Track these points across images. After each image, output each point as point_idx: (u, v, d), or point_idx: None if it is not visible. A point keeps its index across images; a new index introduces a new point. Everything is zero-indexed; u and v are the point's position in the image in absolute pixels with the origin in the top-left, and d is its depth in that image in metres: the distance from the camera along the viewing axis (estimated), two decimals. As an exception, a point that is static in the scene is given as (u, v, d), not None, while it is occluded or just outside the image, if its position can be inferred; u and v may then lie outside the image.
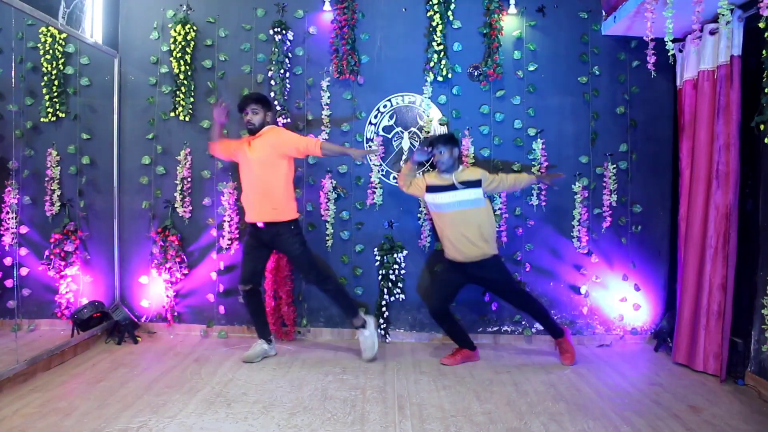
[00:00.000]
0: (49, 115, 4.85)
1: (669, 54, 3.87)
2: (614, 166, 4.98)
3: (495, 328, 5.08)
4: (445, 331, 4.68)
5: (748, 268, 4.07)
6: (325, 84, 4.98)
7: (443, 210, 4.37)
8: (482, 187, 4.34)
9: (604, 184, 4.99)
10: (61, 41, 4.84)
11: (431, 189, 4.41)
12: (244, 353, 4.52)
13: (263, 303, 4.69)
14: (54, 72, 4.82)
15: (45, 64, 4.81)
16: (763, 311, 3.83)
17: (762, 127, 3.75)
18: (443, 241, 4.48)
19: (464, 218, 4.32)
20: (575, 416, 3.46)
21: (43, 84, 4.83)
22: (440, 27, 4.89)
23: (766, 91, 3.69)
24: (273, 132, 4.37)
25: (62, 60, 4.87)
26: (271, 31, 4.94)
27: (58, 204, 4.90)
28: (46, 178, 4.89)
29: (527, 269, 5.02)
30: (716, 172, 4.12)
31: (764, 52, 3.69)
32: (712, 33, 4.14)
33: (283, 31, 4.92)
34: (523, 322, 5.06)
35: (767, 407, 3.65)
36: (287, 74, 4.98)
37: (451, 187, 4.33)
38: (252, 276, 4.48)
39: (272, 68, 4.93)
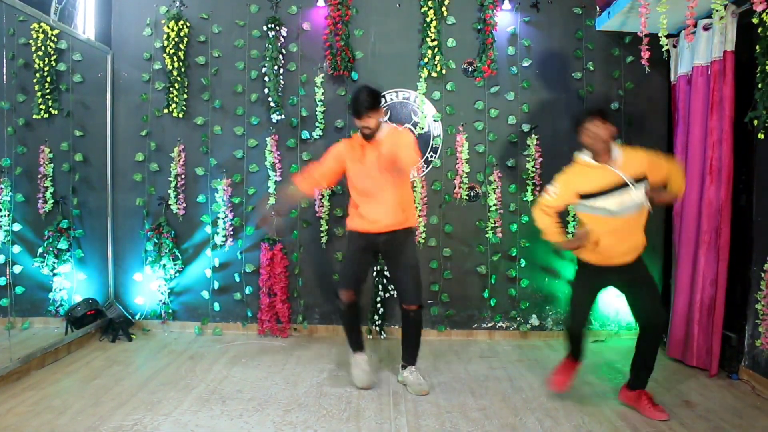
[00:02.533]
0: (42, 112, 4.82)
1: (663, 50, 3.87)
2: (608, 161, 4.98)
3: (490, 324, 5.08)
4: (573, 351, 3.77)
5: (742, 263, 4.08)
6: (319, 80, 4.97)
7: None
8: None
9: (599, 180, 4.99)
10: (53, 37, 4.81)
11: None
12: (360, 380, 3.89)
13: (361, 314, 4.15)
14: (46, 68, 4.78)
15: (37, 60, 4.78)
16: (756, 306, 3.84)
17: (755, 122, 3.76)
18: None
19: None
20: (570, 412, 3.46)
21: (35, 81, 4.80)
22: (434, 23, 4.88)
23: (759, 86, 3.70)
24: (394, 133, 3.85)
25: (54, 56, 4.83)
26: (264, 28, 4.92)
27: (51, 201, 4.88)
28: (39, 176, 4.86)
29: (523, 265, 5.03)
30: (710, 168, 4.13)
31: (757, 47, 3.70)
32: (705, 29, 4.14)
33: (277, 27, 4.90)
34: (518, 318, 5.07)
35: (761, 402, 3.66)
36: (281, 70, 4.96)
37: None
38: (356, 282, 3.93)
39: (266, 64, 4.91)
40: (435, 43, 4.89)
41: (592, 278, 3.57)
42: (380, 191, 3.75)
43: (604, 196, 3.31)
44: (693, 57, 4.30)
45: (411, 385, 3.82)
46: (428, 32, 4.90)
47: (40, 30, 4.76)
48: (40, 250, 4.78)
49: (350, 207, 3.96)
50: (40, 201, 4.86)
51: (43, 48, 4.78)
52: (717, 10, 3.64)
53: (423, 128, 5.00)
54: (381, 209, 3.75)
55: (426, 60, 4.91)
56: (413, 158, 3.65)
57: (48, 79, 4.79)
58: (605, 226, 3.35)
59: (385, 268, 4.94)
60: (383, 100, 3.76)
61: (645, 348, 3.50)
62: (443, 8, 4.93)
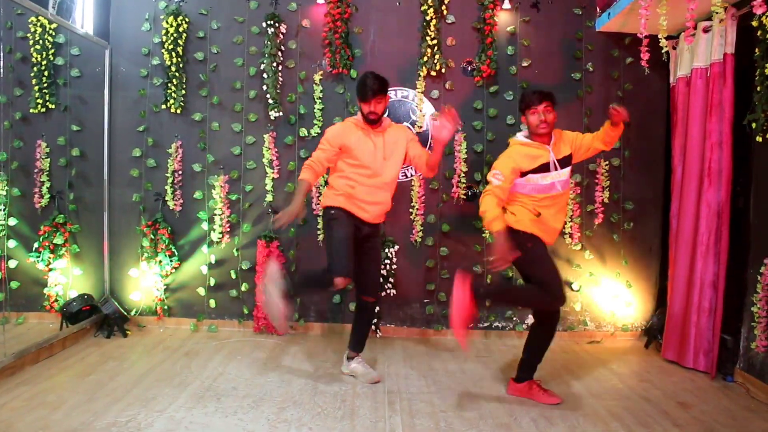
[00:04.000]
0: (39, 106, 4.80)
1: (663, 51, 3.87)
2: (607, 162, 4.99)
3: (486, 324, 5.08)
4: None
5: (739, 265, 4.08)
6: (317, 78, 4.96)
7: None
8: None
9: (597, 181, 5.00)
10: (51, 31, 4.79)
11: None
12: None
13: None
14: (44, 62, 4.77)
15: (35, 54, 4.76)
16: (752, 308, 3.85)
17: (754, 125, 3.76)
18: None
19: None
20: (565, 413, 3.46)
21: (32, 75, 4.78)
22: (434, 21, 4.87)
23: (758, 89, 3.70)
24: (400, 127, 3.99)
25: (52, 50, 4.81)
26: (264, 24, 4.91)
27: (48, 196, 4.86)
28: (36, 170, 4.84)
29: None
30: (708, 170, 4.13)
31: (757, 50, 3.70)
32: (705, 31, 4.14)
33: (276, 24, 4.89)
34: (515, 318, 5.07)
35: (756, 404, 3.66)
36: (280, 67, 4.95)
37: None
38: (351, 267, 3.70)
39: (265, 61, 4.90)
40: (434, 41, 4.88)
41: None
42: (383, 179, 3.80)
43: (542, 174, 3.51)
44: (692, 59, 4.30)
45: (361, 375, 3.95)
46: (428, 31, 4.89)
47: (38, 24, 4.74)
48: (36, 245, 4.76)
49: (338, 182, 3.81)
50: (36, 196, 4.84)
51: (40, 42, 4.76)
52: (717, 13, 3.63)
53: (421, 127, 4.99)
54: (380, 197, 3.82)
55: (425, 58, 4.90)
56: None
57: (45, 73, 4.78)
58: (542, 203, 3.56)
59: (381, 266, 4.93)
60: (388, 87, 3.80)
61: (543, 336, 3.71)
62: (443, 7, 4.92)
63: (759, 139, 3.73)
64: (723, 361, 4.14)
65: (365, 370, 3.97)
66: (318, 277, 3.87)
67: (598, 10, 4.90)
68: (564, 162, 3.59)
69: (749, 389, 3.86)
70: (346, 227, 3.74)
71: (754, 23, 3.64)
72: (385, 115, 3.90)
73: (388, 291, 4.97)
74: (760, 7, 3.37)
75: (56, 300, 4.82)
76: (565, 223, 4.95)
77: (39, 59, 4.76)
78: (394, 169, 3.83)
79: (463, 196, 4.98)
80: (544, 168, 3.51)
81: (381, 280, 4.02)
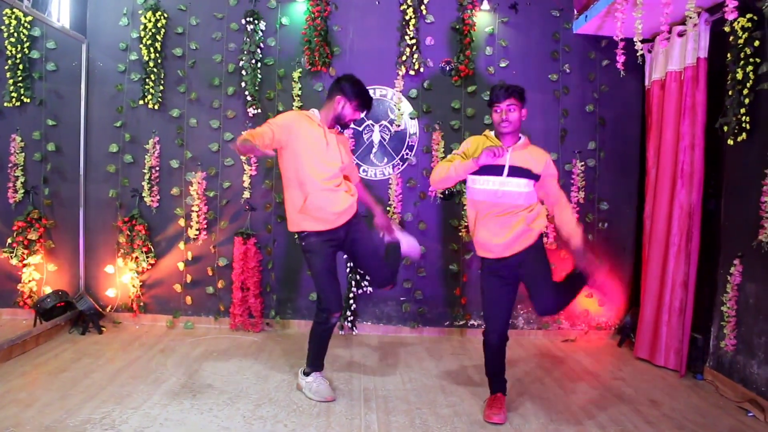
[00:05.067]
0: (13, 99, 4.74)
1: (638, 54, 3.93)
2: (582, 163, 5.05)
3: (462, 322, 5.12)
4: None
5: (710, 266, 4.17)
6: (296, 75, 4.96)
7: None
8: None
9: (573, 181, 5.06)
10: (26, 24, 4.73)
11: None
12: (328, 392, 3.61)
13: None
14: (18, 56, 4.71)
15: (9, 47, 4.70)
16: (722, 308, 3.92)
17: (726, 128, 3.84)
18: None
19: None
20: (538, 410, 3.51)
21: (7, 68, 4.72)
22: (413, 21, 4.89)
23: (729, 93, 3.78)
24: (342, 136, 3.77)
25: (27, 44, 4.76)
26: (243, 21, 4.89)
27: (22, 191, 4.81)
28: (10, 165, 4.78)
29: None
30: (681, 172, 4.20)
31: (729, 55, 3.78)
32: (680, 35, 4.21)
33: (256, 21, 4.88)
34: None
35: (724, 402, 3.74)
36: (258, 64, 4.94)
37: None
38: (339, 296, 3.61)
39: (243, 58, 4.89)
40: (413, 41, 4.90)
41: (494, 276, 3.41)
42: (337, 181, 3.51)
43: (487, 176, 3.26)
44: (667, 62, 4.37)
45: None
46: (407, 30, 4.91)
47: (13, 16, 4.68)
48: (10, 240, 4.71)
49: (294, 203, 3.50)
50: (11, 190, 4.79)
51: (15, 35, 4.70)
52: (691, 17, 3.71)
53: (399, 125, 5.01)
54: (340, 199, 3.50)
55: (404, 57, 4.92)
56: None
57: (20, 66, 4.72)
58: (484, 212, 3.32)
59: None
60: None
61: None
62: (422, 7, 4.95)
63: (730, 142, 3.80)
64: (693, 360, 4.22)
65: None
66: (315, 325, 3.63)
67: (575, 12, 4.96)
68: (517, 172, 3.25)
69: (718, 387, 3.94)
70: (322, 255, 3.52)
71: (727, 29, 3.71)
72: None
73: (365, 288, 4.99)
74: (732, 12, 3.45)
75: (30, 296, 4.77)
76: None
77: (14, 52, 4.71)
78: (339, 166, 3.51)
79: (440, 195, 5.01)
80: (495, 170, 3.24)
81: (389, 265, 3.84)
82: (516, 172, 3.25)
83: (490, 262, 3.38)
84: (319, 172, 3.42)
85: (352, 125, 4.08)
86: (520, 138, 3.35)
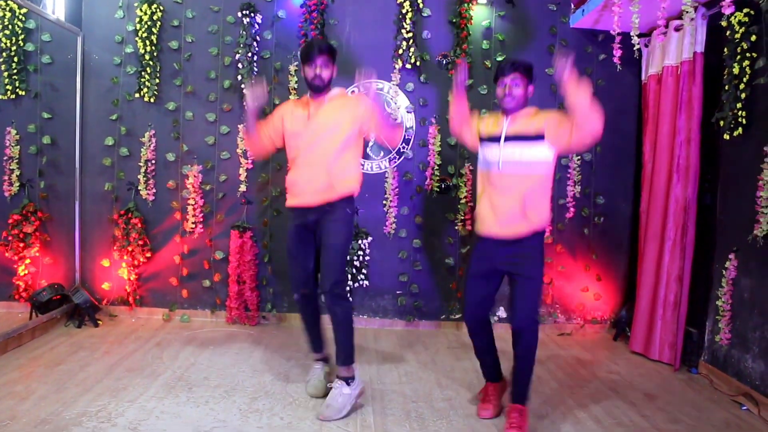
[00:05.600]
0: (8, 92, 4.73)
1: (635, 49, 3.94)
2: (579, 157, 5.05)
3: (458, 316, 5.13)
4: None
5: (705, 260, 4.18)
6: (293, 68, 4.95)
7: None
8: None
9: (569, 175, 5.06)
10: (21, 16, 4.71)
11: None
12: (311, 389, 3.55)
13: (319, 310, 3.65)
14: (13, 48, 4.68)
15: (3, 39, 4.68)
16: (717, 302, 3.94)
17: (722, 123, 3.84)
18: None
19: None
20: (534, 403, 3.51)
21: (1, 60, 4.70)
22: (410, 14, 4.88)
23: (726, 88, 3.78)
24: (344, 97, 3.52)
25: (22, 36, 4.73)
26: (239, 14, 4.87)
27: (17, 184, 4.79)
28: (5, 158, 4.77)
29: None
30: (677, 166, 4.21)
31: (725, 49, 3.78)
32: (676, 29, 4.21)
33: (252, 14, 4.86)
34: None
35: (718, 395, 3.76)
36: (255, 58, 4.92)
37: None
38: (307, 278, 3.51)
39: (240, 51, 4.87)
40: (410, 34, 4.89)
41: (480, 257, 3.29)
42: (313, 154, 3.36)
43: (490, 144, 3.20)
44: (663, 57, 4.37)
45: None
46: (404, 24, 4.90)
47: (7, 8, 4.65)
48: (5, 233, 4.70)
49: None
50: (6, 184, 4.77)
51: (10, 27, 4.67)
52: (687, 12, 3.71)
53: (396, 119, 5.00)
54: (310, 175, 3.36)
55: (401, 51, 4.91)
56: (383, 125, 3.41)
57: (15, 59, 4.69)
58: (485, 182, 3.25)
59: (354, 257, 4.95)
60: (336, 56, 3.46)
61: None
62: (419, 0, 4.93)
63: (726, 136, 3.81)
64: (688, 354, 4.24)
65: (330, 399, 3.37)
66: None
67: (572, 6, 4.96)
68: (518, 138, 3.12)
69: (713, 380, 3.96)
70: (292, 232, 3.49)
71: (724, 23, 3.71)
72: (333, 89, 3.48)
73: (361, 282, 4.99)
74: (729, 7, 3.45)
75: (26, 289, 4.76)
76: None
77: (8, 45, 4.68)
78: (329, 141, 3.33)
79: (436, 189, 5.01)
80: (494, 140, 3.17)
81: (336, 266, 3.40)
82: (514, 138, 3.12)
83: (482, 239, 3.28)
84: (294, 147, 3.42)
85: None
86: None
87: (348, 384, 3.32)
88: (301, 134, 3.38)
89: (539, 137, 3.08)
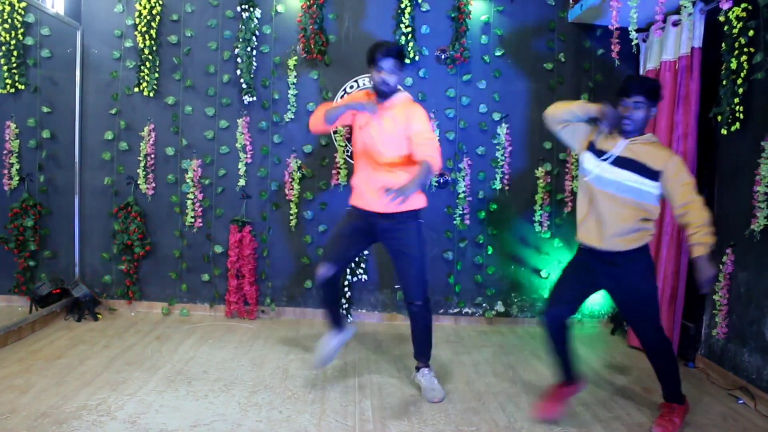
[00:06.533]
0: (8, 86, 4.73)
1: (633, 43, 3.93)
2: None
3: (456, 310, 5.14)
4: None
5: (702, 255, 4.18)
6: (291, 63, 4.95)
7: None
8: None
9: (567, 170, 5.07)
10: (20, 10, 4.70)
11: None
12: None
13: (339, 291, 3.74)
14: (13, 42, 4.68)
15: (3, 33, 4.67)
16: (714, 297, 3.95)
17: (719, 118, 3.85)
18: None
19: None
20: (532, 397, 3.54)
21: (1, 54, 4.70)
22: (409, 9, 4.88)
23: (724, 83, 3.79)
24: (409, 105, 3.41)
25: (21, 30, 4.73)
26: (238, 8, 4.88)
27: (17, 178, 4.80)
28: (5, 152, 4.77)
29: (490, 252, 5.09)
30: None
31: (723, 45, 3.78)
32: (674, 24, 4.21)
33: (251, 9, 4.86)
34: (485, 305, 5.14)
35: (715, 389, 3.78)
36: (254, 52, 4.93)
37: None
38: (338, 257, 3.54)
39: (239, 46, 4.88)
40: (409, 29, 4.90)
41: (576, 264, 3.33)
42: (376, 163, 3.43)
43: (591, 153, 3.11)
44: (661, 52, 4.37)
45: (423, 390, 3.52)
46: (402, 18, 4.90)
47: (7, 2, 4.64)
48: (5, 227, 4.71)
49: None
50: (5, 177, 4.78)
51: (9, 21, 4.67)
52: (685, 7, 3.72)
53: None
54: (377, 180, 3.40)
55: (400, 46, 4.92)
56: (431, 151, 3.20)
57: (14, 53, 4.69)
58: (582, 193, 3.20)
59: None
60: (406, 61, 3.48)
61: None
62: (418, -6, 4.95)
63: (724, 131, 3.82)
64: (685, 348, 4.26)
65: (428, 385, 3.52)
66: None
67: (570, 1, 4.95)
68: (626, 164, 3.00)
69: (709, 374, 3.98)
70: (343, 221, 3.63)
71: (721, 18, 3.71)
72: (398, 93, 3.43)
73: (360, 276, 5.01)
74: (727, 2, 3.46)
75: (25, 283, 4.77)
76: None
77: (8, 38, 4.68)
78: (391, 149, 3.38)
79: (435, 184, 5.02)
80: (602, 154, 3.06)
81: (422, 279, 3.51)
82: (622, 163, 3.02)
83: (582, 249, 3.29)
84: (360, 143, 3.52)
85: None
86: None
87: (429, 367, 3.61)
88: (366, 135, 3.43)
89: (653, 176, 2.98)
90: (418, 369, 3.62)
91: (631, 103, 2.98)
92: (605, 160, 3.04)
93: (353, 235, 3.57)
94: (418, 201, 3.45)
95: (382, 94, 3.38)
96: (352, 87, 5.00)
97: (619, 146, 3.03)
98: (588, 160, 3.12)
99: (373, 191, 3.38)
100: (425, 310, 3.55)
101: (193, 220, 4.99)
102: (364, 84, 4.99)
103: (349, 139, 4.99)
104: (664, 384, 3.22)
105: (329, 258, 3.52)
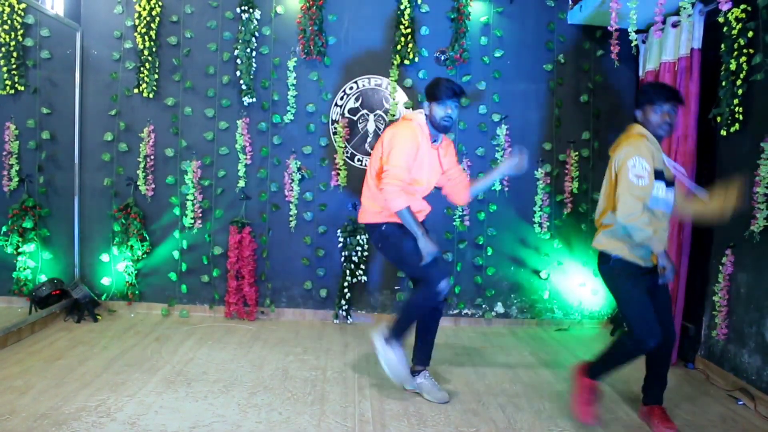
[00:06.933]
0: (8, 87, 4.73)
1: (632, 45, 3.93)
2: (576, 153, 5.06)
3: (456, 311, 5.15)
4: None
5: (702, 256, 4.19)
6: (291, 64, 4.95)
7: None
8: None
9: (567, 171, 5.07)
10: (19, 11, 4.71)
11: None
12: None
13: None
14: (12, 43, 4.68)
15: (2, 34, 4.67)
16: (714, 298, 3.95)
17: (719, 119, 3.85)
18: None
19: None
20: (531, 398, 3.54)
21: (0, 55, 4.70)
22: (408, 10, 4.88)
23: (723, 84, 3.79)
24: (448, 142, 3.68)
25: (21, 31, 4.73)
26: (238, 9, 4.88)
27: (17, 179, 4.80)
28: (4, 153, 4.77)
29: (489, 253, 5.09)
30: (674, 162, 4.21)
31: (723, 46, 3.78)
32: (674, 25, 4.21)
33: (251, 10, 4.86)
34: (484, 306, 5.14)
35: (714, 390, 3.78)
36: (254, 53, 4.93)
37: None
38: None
39: (238, 47, 4.88)
40: (408, 30, 4.90)
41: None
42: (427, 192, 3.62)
43: (660, 181, 3.01)
44: (661, 53, 4.37)
45: (427, 392, 3.49)
46: (402, 19, 4.90)
47: (6, 4, 4.65)
48: (4, 228, 4.71)
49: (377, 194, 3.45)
50: (5, 179, 4.78)
51: (9, 22, 4.67)
52: (684, 8, 3.72)
53: (394, 115, 5.01)
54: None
55: (399, 47, 4.92)
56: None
57: (14, 54, 4.70)
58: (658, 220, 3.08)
59: (353, 253, 4.96)
60: None
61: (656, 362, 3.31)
62: (417, -4, 4.95)
63: (723, 132, 3.82)
64: (685, 349, 4.26)
65: (431, 387, 3.52)
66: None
67: (570, 2, 4.96)
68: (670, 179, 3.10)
69: (709, 375, 3.98)
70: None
71: (721, 19, 3.72)
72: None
73: (359, 278, 5.01)
74: (726, 3, 3.45)
75: (25, 284, 4.77)
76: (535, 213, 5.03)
77: (7, 40, 4.68)
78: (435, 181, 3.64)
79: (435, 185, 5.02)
80: (658, 174, 3.01)
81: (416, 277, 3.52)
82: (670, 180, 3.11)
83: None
84: (421, 180, 3.55)
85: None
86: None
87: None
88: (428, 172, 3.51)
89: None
90: (416, 373, 3.58)
91: (676, 111, 3.06)
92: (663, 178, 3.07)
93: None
94: (374, 218, 3.51)
95: (444, 129, 3.44)
96: (351, 88, 5.00)
97: (667, 163, 3.13)
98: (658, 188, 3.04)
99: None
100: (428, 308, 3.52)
101: (192, 221, 4.99)
102: (363, 85, 4.99)
103: (348, 140, 4.99)
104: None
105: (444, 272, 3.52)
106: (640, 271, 3.09)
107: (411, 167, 3.34)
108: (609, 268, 3.14)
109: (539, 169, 5.04)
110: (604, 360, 3.22)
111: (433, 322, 3.59)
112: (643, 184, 2.91)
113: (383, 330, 3.46)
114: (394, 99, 5.00)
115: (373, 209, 3.49)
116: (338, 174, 4.99)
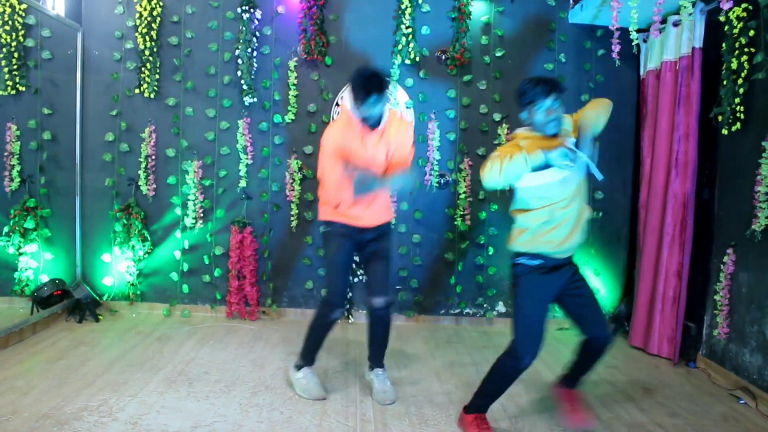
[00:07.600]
0: (9, 88, 4.73)
1: (633, 44, 3.94)
2: (577, 152, 5.05)
3: (457, 311, 5.15)
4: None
5: (703, 255, 4.19)
6: (292, 64, 4.95)
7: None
8: None
9: (567, 171, 5.06)
10: (21, 12, 4.71)
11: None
12: (318, 391, 3.48)
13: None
14: (13, 44, 4.69)
15: (4, 35, 4.68)
16: (715, 297, 3.95)
17: (720, 118, 3.86)
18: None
19: None
20: (533, 397, 3.54)
21: (1, 56, 4.70)
22: (409, 10, 4.88)
23: (724, 83, 3.79)
24: (397, 122, 3.42)
25: (22, 32, 4.74)
26: (239, 9, 4.88)
27: (18, 180, 4.80)
28: (6, 153, 4.78)
29: (490, 253, 5.09)
30: (675, 161, 4.21)
31: (724, 45, 3.78)
32: (675, 25, 4.21)
33: (251, 10, 4.86)
34: (486, 305, 5.14)
35: (716, 389, 3.78)
36: (254, 53, 4.93)
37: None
38: (345, 294, 3.69)
39: (239, 47, 4.88)
40: (409, 30, 4.90)
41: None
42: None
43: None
44: (662, 52, 4.37)
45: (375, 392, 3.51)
46: (403, 19, 4.90)
47: (8, 4, 4.66)
48: (6, 228, 4.72)
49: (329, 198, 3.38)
50: (7, 179, 4.78)
51: (10, 23, 4.68)
52: (685, 7, 3.72)
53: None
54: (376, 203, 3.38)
55: (400, 47, 4.92)
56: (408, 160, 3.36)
57: (15, 54, 4.70)
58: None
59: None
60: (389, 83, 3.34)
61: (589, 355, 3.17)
62: (418, -5, 4.95)
63: (725, 131, 3.82)
64: (686, 348, 4.26)
65: (381, 387, 3.50)
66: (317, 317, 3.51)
67: (571, 1, 4.95)
68: None
69: (710, 375, 3.98)
70: (343, 246, 3.44)
71: (722, 18, 3.72)
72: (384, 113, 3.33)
73: (361, 277, 5.01)
74: (727, 2, 3.45)
75: (27, 284, 4.78)
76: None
77: (8, 40, 4.68)
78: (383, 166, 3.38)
79: (435, 184, 5.02)
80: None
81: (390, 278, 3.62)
82: None
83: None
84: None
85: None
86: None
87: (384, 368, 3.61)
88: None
89: None
90: (372, 368, 3.61)
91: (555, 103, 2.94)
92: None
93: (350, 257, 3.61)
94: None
95: (372, 126, 3.28)
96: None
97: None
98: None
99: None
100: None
101: (194, 221, 4.99)
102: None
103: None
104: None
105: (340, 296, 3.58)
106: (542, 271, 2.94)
107: (335, 167, 3.18)
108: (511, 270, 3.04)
109: (540, 169, 5.03)
110: (483, 388, 3.09)
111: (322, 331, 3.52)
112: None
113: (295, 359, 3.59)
114: (395, 98, 5.00)
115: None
116: (339, 174, 4.99)
